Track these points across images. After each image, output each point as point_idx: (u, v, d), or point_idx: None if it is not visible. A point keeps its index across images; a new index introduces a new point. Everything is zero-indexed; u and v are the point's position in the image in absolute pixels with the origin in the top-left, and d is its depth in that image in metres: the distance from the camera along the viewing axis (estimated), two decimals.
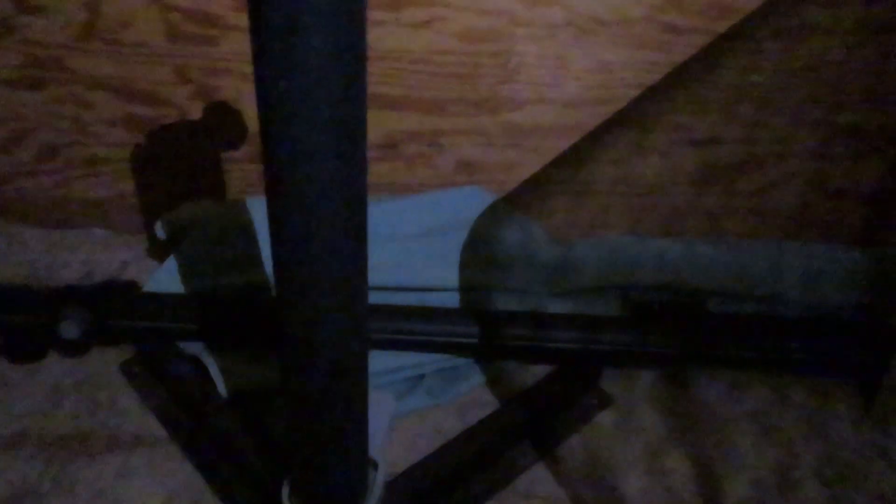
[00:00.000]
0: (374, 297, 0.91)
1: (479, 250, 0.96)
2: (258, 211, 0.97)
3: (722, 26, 0.94)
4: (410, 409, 0.86)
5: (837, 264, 0.96)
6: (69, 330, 0.82)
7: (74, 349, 0.89)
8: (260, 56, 0.42)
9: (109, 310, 0.86)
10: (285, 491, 0.63)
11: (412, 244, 0.97)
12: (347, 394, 0.58)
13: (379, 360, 0.88)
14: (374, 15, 0.97)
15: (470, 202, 1.02)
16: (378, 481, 0.63)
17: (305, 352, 0.55)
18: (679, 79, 0.97)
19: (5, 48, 1.03)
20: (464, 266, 0.94)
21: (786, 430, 0.86)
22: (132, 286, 0.95)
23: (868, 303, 0.95)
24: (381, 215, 0.98)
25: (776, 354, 0.87)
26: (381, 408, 0.70)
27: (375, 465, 0.64)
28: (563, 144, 1.04)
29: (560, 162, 1.04)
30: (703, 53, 0.95)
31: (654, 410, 0.88)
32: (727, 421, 0.87)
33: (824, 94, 0.97)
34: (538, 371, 0.93)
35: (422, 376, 0.90)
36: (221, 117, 1.03)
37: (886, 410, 0.88)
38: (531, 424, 0.84)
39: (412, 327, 0.87)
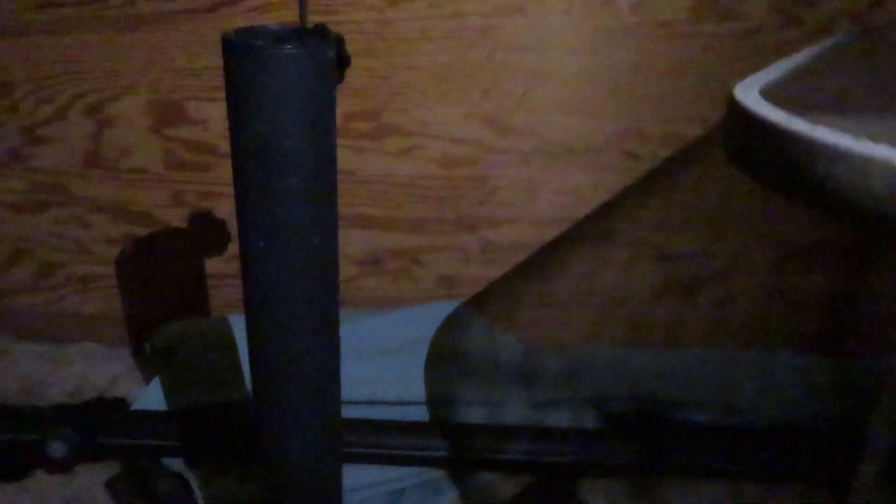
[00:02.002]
0: (352, 412, 0.95)
1: (443, 354, 1.00)
2: (241, 328, 1.00)
3: (678, 155, 1.02)
4: None
5: (798, 373, 1.00)
6: (57, 449, 0.84)
7: (61, 467, 0.90)
8: (241, 216, 0.47)
9: (97, 428, 0.88)
10: None
11: (390, 358, 1.00)
12: (321, 493, 0.60)
13: (359, 475, 0.90)
14: (359, 143, 1.05)
15: (446, 316, 1.07)
16: None
17: (279, 462, 0.58)
18: (639, 199, 1.04)
19: (12, 175, 1.10)
20: (428, 370, 0.97)
21: None
22: (120, 403, 0.97)
23: (834, 412, 0.98)
24: (361, 330, 1.02)
25: (746, 465, 0.90)
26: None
27: None
28: (541, 262, 1.10)
29: (525, 272, 1.09)
30: (662, 175, 1.02)
31: None
32: None
33: (777, 213, 1.04)
34: (520, 481, 0.94)
35: (402, 491, 0.92)
36: (206, 226, 1.09)
37: None
38: None
39: (385, 441, 0.89)
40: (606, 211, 1.06)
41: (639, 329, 1.11)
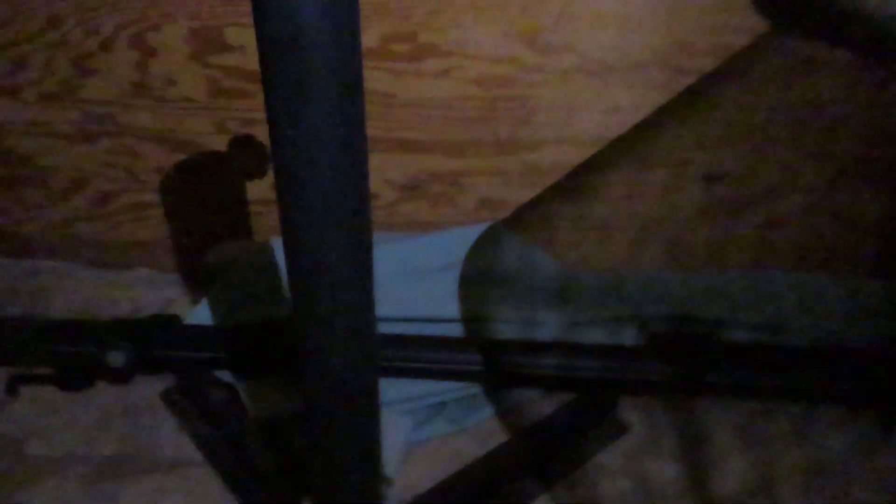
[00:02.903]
0: (397, 328, 0.97)
1: (477, 272, 1.00)
2: (282, 250, 1.03)
3: (723, 69, 0.98)
4: (432, 435, 0.89)
5: (845, 294, 0.97)
6: (115, 359, 0.89)
7: (120, 377, 0.96)
8: (272, 116, 0.48)
9: (152, 341, 0.93)
10: None
11: (435, 278, 1.02)
12: (358, 414, 0.63)
13: (401, 389, 0.93)
14: (396, 66, 1.04)
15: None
16: (392, 498, 0.67)
17: (319, 375, 0.60)
18: (682, 116, 1.01)
19: (64, 107, 1.14)
20: (462, 288, 0.98)
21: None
22: (174, 320, 1.02)
23: (884, 334, 0.96)
24: (401, 250, 1.03)
25: (786, 384, 0.89)
26: (396, 429, 0.75)
27: (391, 483, 0.68)
28: (581, 184, 1.09)
29: (564, 193, 1.08)
30: (705, 91, 0.99)
31: (668, 439, 0.89)
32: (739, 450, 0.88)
33: (824, 128, 1.00)
34: (557, 400, 0.96)
35: (443, 404, 0.94)
36: (245, 149, 1.11)
37: None
38: (544, 454, 0.87)
39: (423, 355, 0.91)
40: (648, 130, 1.03)
41: (681, 251, 1.09)
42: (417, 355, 0.92)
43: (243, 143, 1.08)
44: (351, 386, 0.61)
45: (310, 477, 0.70)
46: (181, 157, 1.15)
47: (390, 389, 0.91)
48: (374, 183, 1.13)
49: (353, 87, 0.49)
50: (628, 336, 0.97)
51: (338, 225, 0.53)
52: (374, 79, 1.05)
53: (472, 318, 0.98)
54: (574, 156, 1.07)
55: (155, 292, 1.22)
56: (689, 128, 1.02)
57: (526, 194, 1.11)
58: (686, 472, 0.85)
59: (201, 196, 1.19)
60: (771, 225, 1.07)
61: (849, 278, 1.03)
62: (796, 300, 1.00)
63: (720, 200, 1.06)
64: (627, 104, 1.03)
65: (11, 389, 0.96)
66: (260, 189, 1.16)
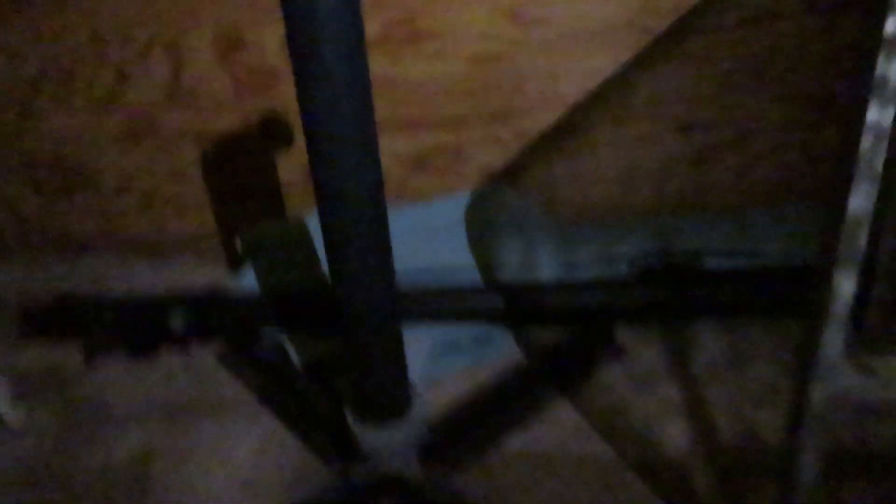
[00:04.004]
0: (417, 277, 1.10)
1: (480, 225, 1.13)
2: (315, 225, 1.17)
3: (688, 25, 1.09)
4: (452, 368, 1.02)
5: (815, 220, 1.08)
6: (177, 323, 1.03)
7: (180, 342, 1.10)
8: (301, 92, 0.61)
9: (207, 307, 1.07)
10: (348, 414, 0.80)
11: (446, 235, 1.15)
12: (385, 332, 0.76)
13: (425, 330, 1.05)
14: (395, 49, 1.17)
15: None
16: (418, 399, 0.80)
17: (351, 327, 0.73)
18: (654, 72, 1.12)
19: (109, 113, 1.29)
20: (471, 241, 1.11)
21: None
22: (222, 290, 1.16)
23: None
24: (413, 215, 1.16)
25: (764, 299, 1.00)
26: (418, 344, 0.88)
27: (416, 391, 0.82)
28: (570, 142, 1.21)
29: (553, 151, 1.21)
30: (672, 48, 1.10)
31: (655, 354, 1.01)
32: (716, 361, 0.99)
33: (785, 71, 1.11)
34: (563, 332, 1.08)
35: (462, 343, 1.07)
36: (274, 125, 1.25)
37: (874, 335, 0.98)
38: (554, 371, 0.99)
39: (441, 301, 1.04)
40: (624, 87, 1.15)
41: (664, 197, 1.21)
42: (438, 301, 1.05)
43: (270, 119, 1.21)
44: (379, 333, 0.74)
45: (347, 394, 0.83)
46: (215, 151, 1.30)
47: (414, 332, 1.03)
48: (384, 160, 1.25)
49: (359, 61, 0.61)
50: (620, 272, 1.09)
51: (358, 196, 0.66)
52: (377, 64, 1.18)
53: (483, 267, 1.10)
54: (562, 118, 1.19)
55: (202, 277, 1.37)
56: (663, 83, 1.14)
57: (522, 158, 1.24)
58: (677, 384, 0.97)
59: (236, 185, 1.33)
60: (745, 165, 1.18)
61: (817, 205, 1.14)
62: (770, 229, 1.11)
63: (697, 147, 1.18)
64: (604, 66, 1.14)
65: (88, 359, 1.11)
66: (289, 173, 1.30)
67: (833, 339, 0.53)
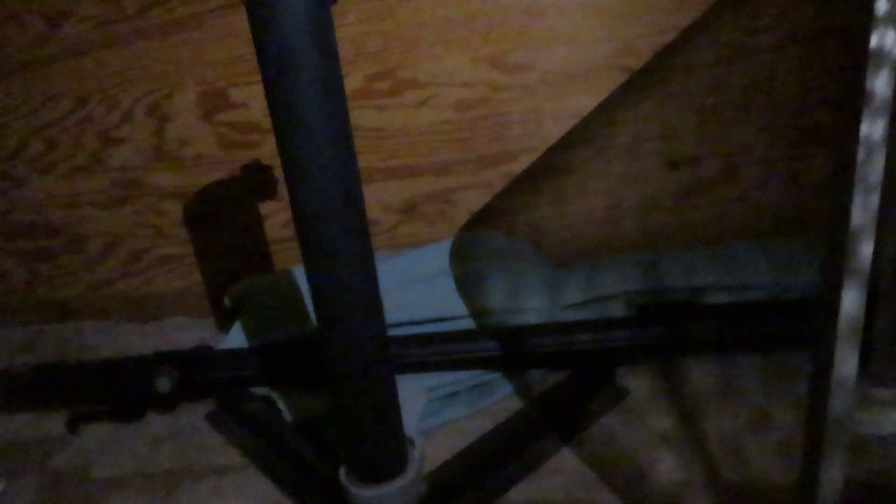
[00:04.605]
0: (408, 330, 1.08)
1: (466, 269, 1.11)
2: (303, 277, 1.15)
3: (668, 63, 1.10)
4: (449, 420, 0.99)
5: (813, 253, 1.07)
6: (162, 385, 1.00)
7: (167, 404, 1.06)
8: (281, 148, 0.61)
9: (193, 366, 1.04)
10: (342, 473, 0.77)
11: (435, 283, 1.13)
12: (376, 384, 0.73)
13: (418, 382, 1.02)
14: (381, 102, 1.18)
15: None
16: (415, 455, 0.77)
17: (340, 379, 0.71)
18: (639, 111, 1.13)
19: (94, 177, 1.28)
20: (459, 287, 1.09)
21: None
22: (209, 349, 1.13)
23: None
24: (402, 264, 1.15)
25: (763, 334, 0.98)
26: (412, 400, 0.85)
27: (413, 444, 0.78)
28: (556, 182, 1.21)
29: (542, 192, 1.20)
30: (655, 86, 1.11)
31: (656, 393, 0.99)
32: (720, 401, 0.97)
33: (770, 103, 1.11)
34: (562, 377, 1.05)
35: (457, 393, 1.04)
36: (257, 175, 1.23)
37: (880, 365, 0.96)
38: (555, 417, 0.96)
39: (435, 349, 1.01)
40: (609, 126, 1.15)
41: (652, 234, 1.20)
42: (432, 349, 1.02)
43: (254, 169, 1.21)
44: (369, 383, 0.72)
45: (342, 451, 0.80)
46: (200, 209, 1.29)
47: (406, 384, 1.01)
48: (374, 210, 1.25)
49: (337, 98, 0.61)
50: (615, 313, 1.07)
51: (343, 247, 0.65)
52: (363, 116, 1.19)
53: (475, 311, 1.08)
54: (549, 160, 1.19)
55: (190, 335, 1.34)
56: (646, 121, 1.15)
57: (510, 202, 1.23)
58: (679, 421, 0.94)
59: (223, 242, 1.31)
60: (732, 199, 1.18)
61: (815, 238, 1.13)
62: (767, 262, 1.10)
63: (684, 182, 1.18)
64: (587, 107, 1.15)
65: (72, 427, 1.07)
66: (275, 229, 1.29)
67: (847, 361, 0.51)
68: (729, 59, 1.09)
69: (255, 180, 1.22)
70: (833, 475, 0.54)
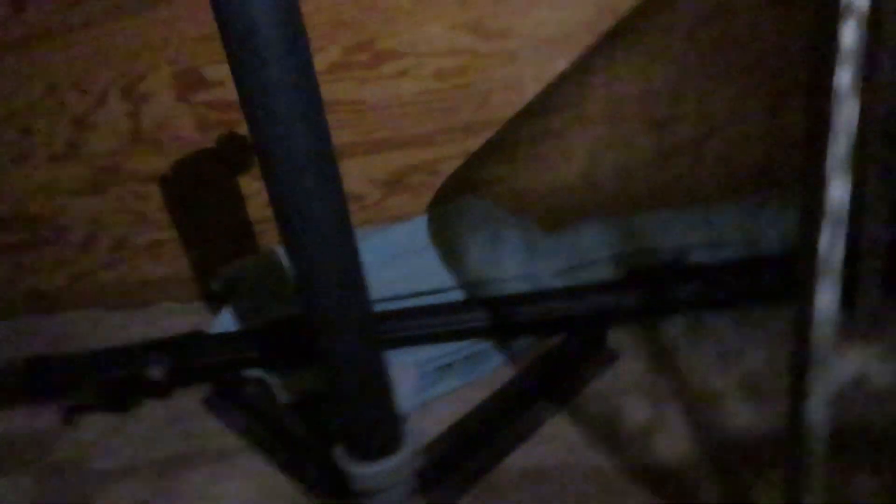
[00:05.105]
0: (401, 304, 1.07)
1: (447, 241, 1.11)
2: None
3: (651, 23, 1.09)
4: (443, 392, 0.99)
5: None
6: (156, 373, 1.00)
7: (162, 391, 1.06)
8: (251, 125, 0.59)
9: (185, 351, 1.04)
10: (338, 451, 0.77)
11: (423, 257, 1.12)
12: (367, 369, 0.73)
13: (409, 356, 1.02)
14: (360, 74, 1.16)
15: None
16: (410, 429, 0.77)
17: (329, 358, 0.71)
18: (622, 72, 1.11)
19: (72, 164, 1.26)
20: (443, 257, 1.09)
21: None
22: (200, 334, 1.12)
23: None
24: (390, 238, 1.14)
25: (753, 290, 0.98)
26: (405, 375, 0.85)
27: (406, 420, 0.78)
28: (541, 149, 1.20)
29: (529, 158, 1.19)
30: (636, 47, 1.10)
31: (646, 355, 0.99)
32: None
33: (753, 61, 1.10)
34: (553, 343, 1.05)
35: (450, 365, 1.04)
36: (231, 145, 1.21)
37: (867, 311, 0.97)
38: (547, 383, 0.96)
39: (431, 322, 1.01)
40: (589, 89, 1.14)
41: (635, 196, 1.20)
42: (424, 322, 1.02)
43: (228, 139, 1.19)
44: (358, 361, 0.71)
45: (337, 430, 0.80)
46: (183, 193, 1.27)
47: (398, 358, 1.01)
48: (359, 184, 1.24)
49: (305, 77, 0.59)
50: (602, 276, 1.07)
51: (321, 221, 0.64)
52: (342, 90, 1.16)
53: (463, 284, 1.08)
54: (533, 126, 1.18)
55: (180, 321, 1.33)
56: (626, 82, 1.13)
57: (498, 170, 1.22)
58: (671, 382, 0.94)
59: (207, 225, 1.30)
60: (715, 158, 1.17)
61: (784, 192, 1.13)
62: (755, 218, 1.10)
63: (666, 143, 1.17)
64: (568, 70, 1.13)
65: (68, 420, 1.06)
66: (259, 209, 1.27)
67: (827, 318, 0.52)
68: (707, 18, 1.08)
69: (229, 150, 1.20)
70: (819, 416, 0.55)
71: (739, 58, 1.10)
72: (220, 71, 1.16)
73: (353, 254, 0.69)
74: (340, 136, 1.18)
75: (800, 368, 0.55)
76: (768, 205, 1.10)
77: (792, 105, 1.13)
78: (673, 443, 0.84)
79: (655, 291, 1.01)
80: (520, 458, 0.86)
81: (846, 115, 0.47)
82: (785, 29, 1.07)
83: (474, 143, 1.20)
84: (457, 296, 1.08)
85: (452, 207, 1.19)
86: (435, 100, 1.18)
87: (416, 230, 1.16)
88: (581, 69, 1.13)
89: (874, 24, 0.47)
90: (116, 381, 1.04)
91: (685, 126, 1.16)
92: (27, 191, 1.28)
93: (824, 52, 0.46)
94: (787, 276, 0.99)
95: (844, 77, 0.46)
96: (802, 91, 1.11)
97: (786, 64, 1.10)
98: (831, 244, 0.50)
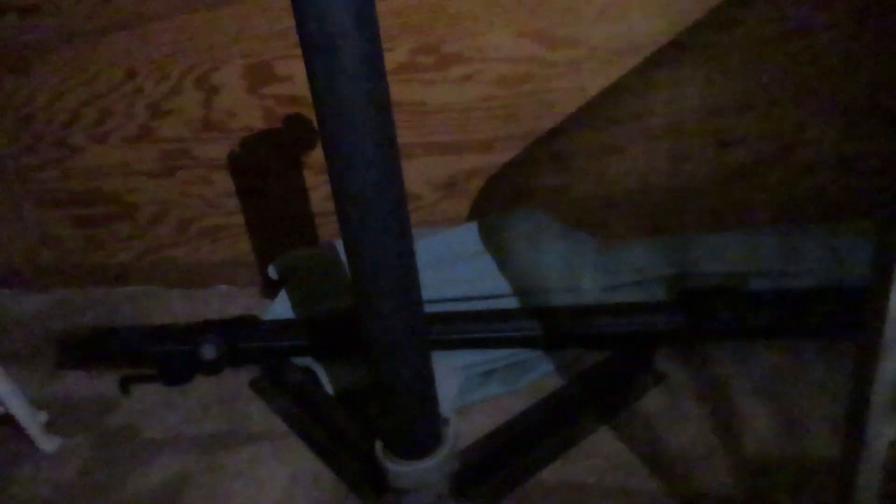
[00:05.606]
0: (451, 307, 1.08)
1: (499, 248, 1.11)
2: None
3: (723, 38, 1.07)
4: (485, 397, 1.00)
5: (863, 238, 1.04)
6: (208, 352, 1.04)
7: (213, 369, 1.10)
8: (321, 123, 0.61)
9: (238, 335, 1.07)
10: (378, 447, 0.79)
11: (479, 261, 1.13)
12: (412, 361, 0.74)
13: (454, 359, 1.03)
14: (425, 76, 1.17)
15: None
16: (450, 432, 0.78)
17: (378, 354, 0.72)
18: (691, 87, 1.10)
19: (145, 147, 1.31)
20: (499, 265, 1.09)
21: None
22: (254, 319, 1.16)
23: None
24: (447, 241, 1.15)
25: (807, 324, 0.96)
26: (449, 377, 0.86)
27: (447, 422, 0.79)
28: (600, 161, 1.19)
29: (588, 173, 1.18)
30: (707, 62, 1.08)
31: (696, 379, 0.98)
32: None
33: (826, 84, 1.07)
34: (598, 358, 1.05)
35: (494, 371, 1.05)
36: (299, 127, 1.25)
37: None
38: (592, 398, 0.96)
39: (482, 328, 1.02)
40: (658, 104, 1.12)
41: (701, 216, 1.18)
42: (473, 327, 1.03)
43: (294, 120, 1.22)
44: (406, 360, 0.73)
45: (378, 425, 0.81)
46: (249, 180, 1.31)
47: (444, 361, 1.02)
48: (416, 185, 1.26)
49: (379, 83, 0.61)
50: (656, 295, 1.06)
51: (382, 219, 0.65)
52: (406, 91, 1.18)
53: (519, 292, 1.08)
54: (595, 138, 1.17)
55: (235, 305, 1.38)
56: (698, 97, 1.11)
57: (556, 179, 1.22)
58: (716, 408, 0.93)
59: (269, 213, 1.34)
60: (787, 182, 1.14)
61: (866, 222, 1.09)
62: (817, 248, 1.07)
63: (736, 163, 1.14)
64: (635, 83, 1.12)
65: (124, 389, 1.12)
66: (317, 202, 1.30)
67: (890, 364, 0.50)
68: (792, 34, 1.05)
69: (295, 130, 1.23)
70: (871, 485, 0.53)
71: (821, 80, 1.07)
72: (290, 66, 1.19)
73: (409, 252, 0.70)
74: (402, 137, 1.20)
75: (857, 419, 0.53)
76: (840, 235, 1.07)
77: (862, 132, 1.09)
78: (713, 471, 0.83)
79: (707, 316, 0.99)
80: (557, 472, 0.86)
81: None
82: (861, 51, 1.04)
83: (533, 150, 1.20)
84: (505, 304, 1.09)
85: (505, 214, 1.19)
86: (497, 106, 1.18)
87: (469, 234, 1.17)
88: (646, 82, 1.12)
89: None
90: (172, 357, 1.09)
91: (748, 147, 1.13)
92: (102, 169, 1.35)
93: None
94: (847, 315, 0.96)
95: None
96: (874, 118, 1.08)
97: (858, 89, 1.06)
98: None
